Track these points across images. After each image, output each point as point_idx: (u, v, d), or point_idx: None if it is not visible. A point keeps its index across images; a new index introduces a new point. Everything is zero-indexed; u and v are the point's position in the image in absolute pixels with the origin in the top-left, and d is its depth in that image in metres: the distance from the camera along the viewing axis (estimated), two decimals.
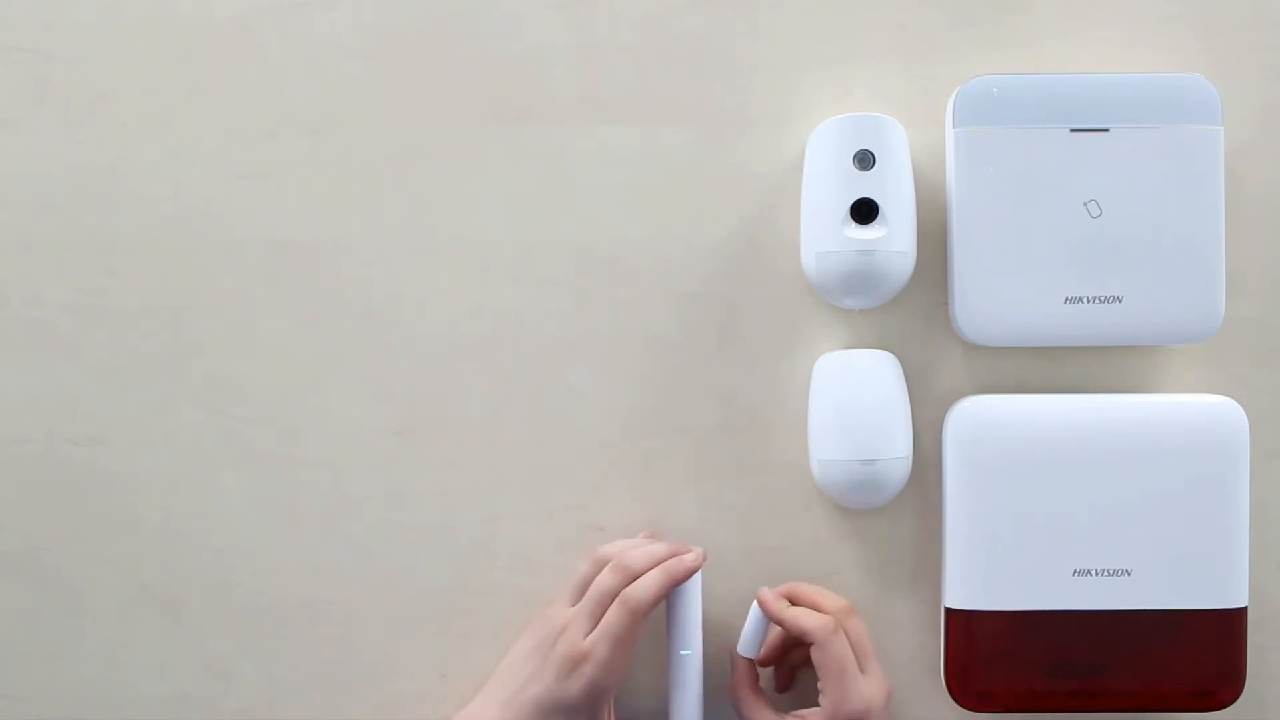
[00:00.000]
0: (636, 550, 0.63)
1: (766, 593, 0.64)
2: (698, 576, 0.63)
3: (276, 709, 0.68)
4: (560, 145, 0.67)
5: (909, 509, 0.66)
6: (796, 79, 0.66)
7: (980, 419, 0.62)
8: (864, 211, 0.62)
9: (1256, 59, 0.65)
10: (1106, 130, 0.61)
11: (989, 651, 0.62)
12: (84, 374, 0.68)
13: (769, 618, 0.63)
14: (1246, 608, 0.62)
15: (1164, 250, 0.61)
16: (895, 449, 0.63)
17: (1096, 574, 0.61)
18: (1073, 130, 0.61)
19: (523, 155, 0.67)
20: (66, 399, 0.68)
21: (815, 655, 0.61)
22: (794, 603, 0.64)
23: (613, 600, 0.61)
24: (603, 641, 0.60)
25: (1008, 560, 0.62)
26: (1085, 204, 0.61)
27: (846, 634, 0.61)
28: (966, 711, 0.64)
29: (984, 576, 0.62)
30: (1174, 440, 0.62)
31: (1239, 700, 0.62)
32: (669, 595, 0.63)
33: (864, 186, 0.62)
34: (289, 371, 0.67)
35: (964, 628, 0.62)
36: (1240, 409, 0.62)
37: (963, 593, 0.62)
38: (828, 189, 0.62)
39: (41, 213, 0.68)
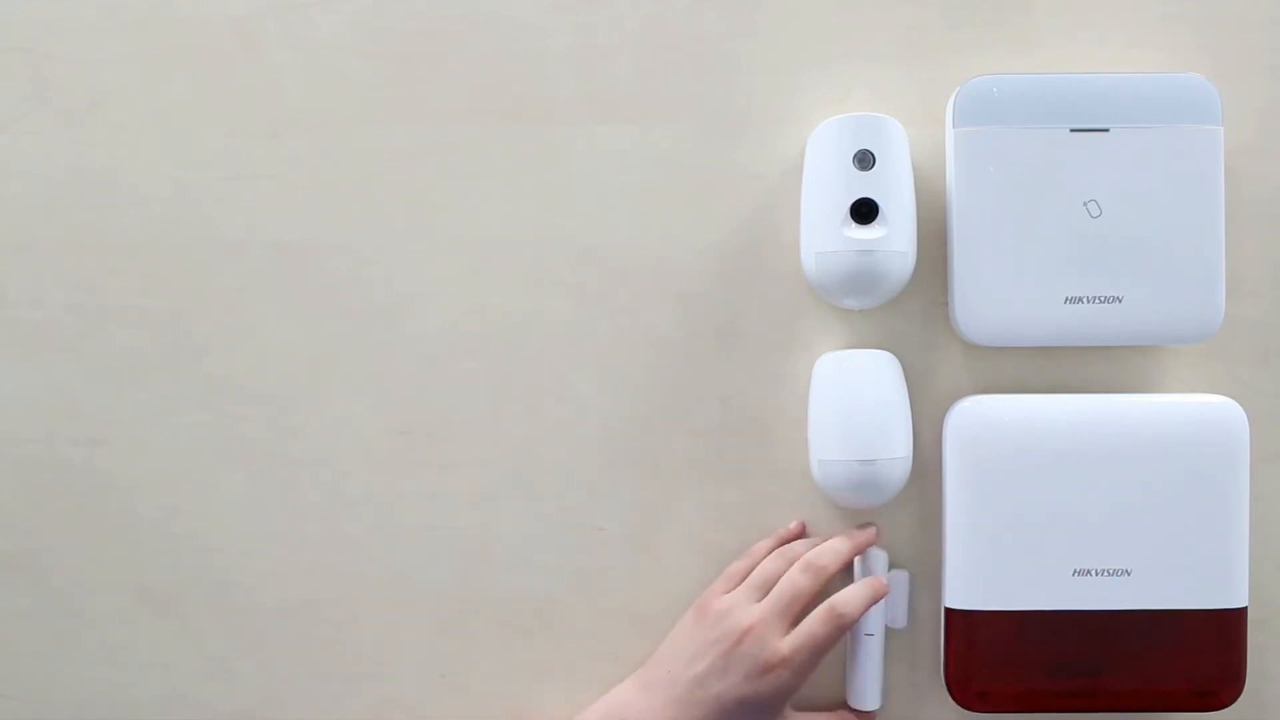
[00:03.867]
0: (824, 549, 0.62)
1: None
2: (885, 559, 0.65)
3: (276, 709, 0.68)
4: (560, 145, 0.67)
5: (909, 509, 0.66)
6: (796, 79, 0.66)
7: (980, 419, 0.62)
8: (864, 211, 0.62)
9: (1256, 59, 0.65)
10: (1106, 130, 0.61)
11: (989, 651, 0.62)
12: (84, 374, 0.68)
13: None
14: (1246, 608, 0.62)
15: (1164, 250, 0.61)
16: (895, 449, 0.63)
17: (1096, 574, 0.61)
18: (1073, 130, 0.61)
19: (523, 155, 0.67)
20: (66, 399, 0.68)
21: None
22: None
23: (803, 600, 0.60)
24: (805, 650, 0.59)
25: (1008, 560, 0.62)
26: (1085, 204, 0.61)
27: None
28: (966, 711, 0.64)
29: (984, 576, 0.62)
30: (1174, 440, 0.62)
31: (1239, 700, 0.62)
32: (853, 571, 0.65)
33: (864, 186, 0.62)
34: (289, 371, 0.67)
35: (964, 628, 0.62)
36: (1240, 409, 0.62)
37: (963, 593, 0.62)
38: (828, 189, 0.62)
39: (41, 213, 0.68)
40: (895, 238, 0.62)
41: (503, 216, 0.67)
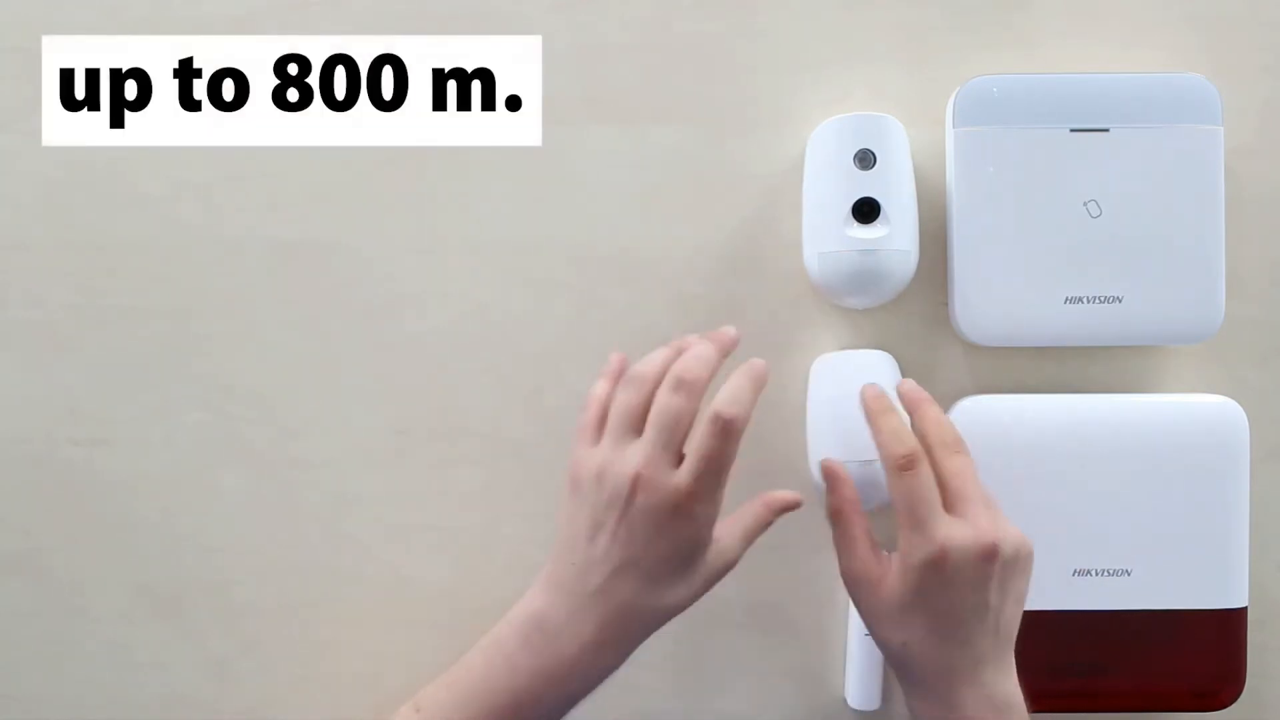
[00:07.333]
0: (688, 361, 0.53)
1: (869, 388, 0.56)
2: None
3: (276, 709, 0.68)
4: (560, 145, 0.67)
5: None
6: (796, 79, 0.66)
7: (980, 419, 0.62)
8: (865, 211, 0.62)
9: (1256, 59, 0.65)
10: (1106, 130, 0.61)
11: None
12: (84, 374, 0.68)
13: (865, 412, 0.56)
14: (1246, 608, 0.62)
15: (1164, 250, 0.61)
16: None
17: (1096, 574, 0.61)
18: (1073, 130, 0.61)
19: (523, 155, 0.67)
20: (66, 399, 0.68)
21: (889, 489, 0.53)
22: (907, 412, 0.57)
23: (685, 424, 0.51)
24: (707, 473, 0.50)
25: None
26: (1085, 204, 0.61)
27: (938, 472, 0.53)
28: None
29: None
30: (1174, 440, 0.62)
31: (1239, 700, 0.62)
32: None
33: (865, 186, 0.62)
34: (289, 371, 0.67)
35: None
36: (1240, 409, 0.62)
37: None
38: (829, 188, 0.62)
39: (41, 213, 0.68)
40: (897, 236, 0.62)
41: (503, 216, 0.67)
